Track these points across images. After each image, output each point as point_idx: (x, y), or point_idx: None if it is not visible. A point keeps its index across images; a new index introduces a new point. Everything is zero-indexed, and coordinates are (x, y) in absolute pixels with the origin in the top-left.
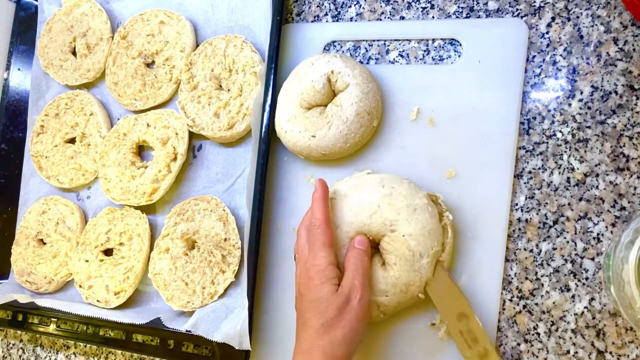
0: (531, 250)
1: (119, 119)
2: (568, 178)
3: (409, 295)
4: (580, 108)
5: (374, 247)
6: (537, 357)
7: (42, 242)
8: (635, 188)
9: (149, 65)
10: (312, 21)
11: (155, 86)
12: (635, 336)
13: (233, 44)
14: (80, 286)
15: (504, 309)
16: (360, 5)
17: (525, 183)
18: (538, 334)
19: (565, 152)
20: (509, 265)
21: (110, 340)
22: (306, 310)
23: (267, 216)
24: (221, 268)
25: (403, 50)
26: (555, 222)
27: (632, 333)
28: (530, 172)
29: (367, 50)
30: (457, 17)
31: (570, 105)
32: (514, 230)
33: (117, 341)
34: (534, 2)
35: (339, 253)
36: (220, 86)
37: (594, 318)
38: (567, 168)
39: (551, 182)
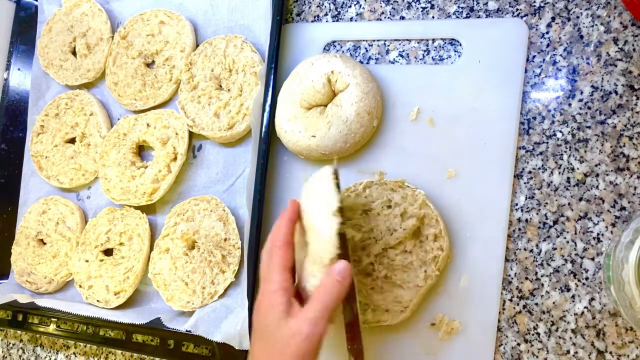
0: (531, 250)
1: (119, 119)
2: (568, 178)
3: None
4: (580, 108)
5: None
6: (537, 357)
7: (42, 242)
8: (635, 188)
9: (149, 65)
10: (312, 21)
11: (155, 86)
12: (635, 336)
13: (233, 44)
14: (80, 286)
15: (504, 309)
16: (360, 5)
17: (525, 183)
18: (538, 334)
19: (565, 152)
20: (509, 265)
21: (110, 340)
22: (253, 340)
23: (267, 216)
24: (221, 268)
25: (403, 50)
26: (555, 222)
27: (632, 333)
28: (530, 172)
29: (367, 50)
30: (457, 17)
31: (570, 105)
32: (514, 230)
33: (117, 341)
34: (534, 2)
35: (316, 264)
36: (220, 86)
37: (594, 318)
38: (567, 168)
39: (551, 182)
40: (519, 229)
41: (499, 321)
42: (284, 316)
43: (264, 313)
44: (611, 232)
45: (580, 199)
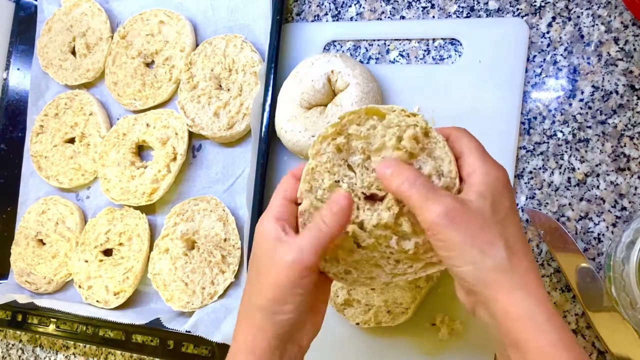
0: (532, 250)
1: (118, 119)
2: (569, 178)
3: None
4: (581, 108)
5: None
6: None
7: (42, 242)
8: (636, 188)
9: (148, 65)
10: (312, 21)
11: (154, 86)
12: None
13: (233, 43)
14: (79, 286)
15: None
16: (360, 5)
17: (525, 183)
18: None
19: (566, 152)
20: None
21: (110, 340)
22: (249, 269)
23: None
24: (221, 268)
25: (403, 50)
26: None
27: None
28: (531, 172)
29: (367, 50)
30: (458, 16)
31: (571, 105)
32: None
33: (116, 341)
34: (535, 1)
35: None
36: (220, 86)
37: None
38: (568, 168)
39: (552, 182)
40: None
41: None
42: (273, 244)
43: (257, 241)
44: (612, 232)
45: (581, 199)
